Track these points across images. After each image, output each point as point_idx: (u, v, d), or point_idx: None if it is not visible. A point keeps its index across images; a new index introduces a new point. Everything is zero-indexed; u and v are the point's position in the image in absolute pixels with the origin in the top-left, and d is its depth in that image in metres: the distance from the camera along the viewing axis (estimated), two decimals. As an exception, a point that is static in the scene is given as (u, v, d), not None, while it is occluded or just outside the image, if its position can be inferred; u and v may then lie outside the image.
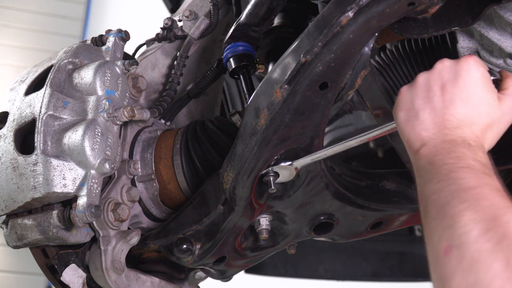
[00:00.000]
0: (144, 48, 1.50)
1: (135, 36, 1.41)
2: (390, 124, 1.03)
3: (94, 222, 1.15)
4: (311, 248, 2.61)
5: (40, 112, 1.11)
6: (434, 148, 0.84)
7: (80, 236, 1.14)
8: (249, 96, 1.22)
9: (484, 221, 0.68)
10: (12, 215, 1.15)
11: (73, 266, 1.17)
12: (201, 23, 1.41)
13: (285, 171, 1.11)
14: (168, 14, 2.35)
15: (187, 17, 1.42)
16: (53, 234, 1.10)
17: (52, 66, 1.18)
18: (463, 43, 1.15)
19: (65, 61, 1.18)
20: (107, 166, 1.10)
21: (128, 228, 1.24)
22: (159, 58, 1.45)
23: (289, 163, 1.10)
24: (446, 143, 0.84)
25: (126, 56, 1.31)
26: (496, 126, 0.90)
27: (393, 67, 1.43)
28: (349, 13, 0.94)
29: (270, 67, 1.45)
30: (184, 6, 1.47)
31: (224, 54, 1.29)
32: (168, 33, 1.43)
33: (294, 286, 3.14)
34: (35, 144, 1.09)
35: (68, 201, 1.11)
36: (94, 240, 1.19)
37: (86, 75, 1.16)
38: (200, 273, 1.39)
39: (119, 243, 1.18)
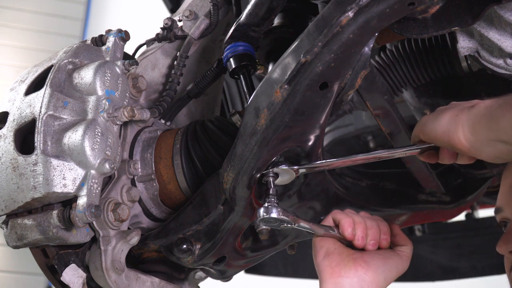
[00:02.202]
0: (144, 48, 1.50)
1: (135, 36, 1.41)
2: (405, 149, 1.06)
3: (94, 222, 1.15)
4: (311, 248, 2.61)
5: (40, 112, 1.11)
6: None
7: (80, 236, 1.14)
8: (249, 96, 1.22)
9: None
10: (12, 215, 1.15)
11: (73, 266, 1.17)
12: (201, 23, 1.41)
13: (285, 174, 1.11)
14: (168, 14, 2.35)
15: (187, 17, 1.42)
16: (53, 234, 1.10)
17: (52, 66, 1.18)
18: (463, 43, 1.15)
19: (65, 61, 1.18)
20: (107, 166, 1.10)
21: (128, 228, 1.24)
22: (159, 58, 1.44)
23: (294, 167, 1.10)
24: None
25: (126, 56, 1.31)
26: None
27: (393, 67, 1.43)
28: (349, 13, 0.94)
29: (270, 67, 1.45)
30: (184, 6, 1.47)
31: (224, 54, 1.29)
32: (168, 33, 1.43)
33: (294, 286, 3.14)
34: (35, 144, 1.09)
35: (68, 201, 1.11)
36: (94, 240, 1.19)
37: (86, 75, 1.16)
38: (200, 273, 1.39)
39: (119, 243, 1.18)
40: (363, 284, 1.08)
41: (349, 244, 1.14)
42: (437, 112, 0.99)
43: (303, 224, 1.10)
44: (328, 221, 1.16)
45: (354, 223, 1.12)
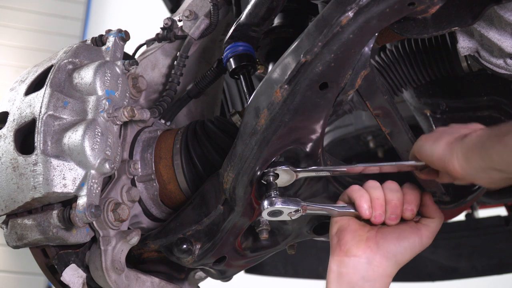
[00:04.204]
0: (144, 48, 1.50)
1: (135, 36, 1.41)
2: (409, 163, 1.07)
3: (94, 222, 1.15)
4: (311, 248, 2.61)
5: (40, 112, 1.11)
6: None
7: (80, 236, 1.14)
8: (249, 96, 1.22)
9: None
10: (12, 215, 1.15)
11: (73, 266, 1.17)
12: (201, 23, 1.42)
13: (286, 175, 1.11)
14: (168, 14, 2.35)
15: (187, 17, 1.42)
16: (53, 234, 1.10)
17: (52, 66, 1.18)
18: (463, 43, 1.15)
19: (65, 61, 1.18)
20: (107, 166, 1.10)
21: (128, 228, 1.24)
22: (159, 58, 1.45)
23: (297, 169, 1.10)
24: None
25: (126, 56, 1.31)
26: None
27: (393, 67, 1.43)
28: (349, 13, 0.94)
29: (270, 67, 1.45)
30: (184, 6, 1.48)
31: (224, 54, 1.29)
32: (168, 33, 1.43)
33: (294, 286, 3.14)
34: (35, 144, 1.09)
35: (68, 201, 1.11)
36: (94, 240, 1.19)
37: (86, 75, 1.16)
38: (200, 273, 1.39)
39: (119, 243, 1.18)
40: (368, 266, 1.05)
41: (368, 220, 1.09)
42: (434, 137, 1.00)
43: (313, 208, 1.08)
44: (344, 197, 1.11)
45: (371, 199, 1.06)
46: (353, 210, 1.08)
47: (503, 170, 0.86)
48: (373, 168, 1.10)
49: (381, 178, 1.42)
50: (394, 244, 1.07)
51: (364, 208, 1.06)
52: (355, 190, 1.09)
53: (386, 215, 1.07)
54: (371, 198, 1.07)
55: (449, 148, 0.95)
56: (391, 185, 1.09)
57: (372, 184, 1.09)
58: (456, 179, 0.98)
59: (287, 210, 1.05)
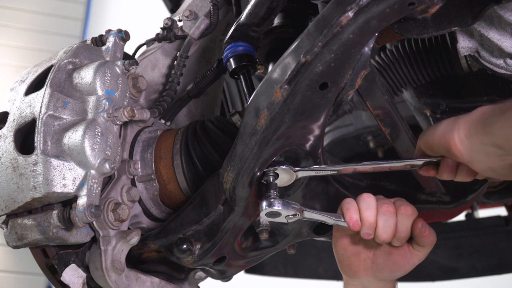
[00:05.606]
0: (144, 48, 1.50)
1: (135, 36, 1.41)
2: (408, 161, 1.08)
3: (94, 222, 1.15)
4: (311, 248, 2.61)
5: (40, 112, 1.11)
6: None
7: (80, 236, 1.14)
8: (249, 96, 1.22)
9: None
10: (12, 215, 1.16)
11: (73, 266, 1.17)
12: (201, 23, 1.42)
13: (285, 174, 1.10)
14: (168, 14, 2.35)
15: (187, 17, 1.42)
16: (53, 234, 1.10)
17: (52, 66, 1.18)
18: (463, 43, 1.15)
19: (65, 61, 1.18)
20: (107, 166, 1.10)
21: (128, 228, 1.24)
22: (159, 58, 1.45)
23: (296, 168, 1.10)
24: None
25: (126, 56, 1.31)
26: None
27: (393, 67, 1.43)
28: (349, 13, 0.94)
29: (270, 67, 1.45)
30: (184, 6, 1.48)
31: (224, 54, 1.29)
32: (168, 33, 1.43)
33: (294, 286, 3.14)
34: (35, 144, 1.09)
35: (68, 201, 1.11)
36: (94, 240, 1.19)
37: (86, 75, 1.16)
38: (200, 273, 1.39)
39: (119, 243, 1.18)
40: (369, 285, 1.17)
41: None
42: (437, 123, 1.02)
43: (310, 214, 1.09)
44: (339, 209, 1.13)
45: (362, 219, 1.09)
46: (346, 224, 1.09)
47: (502, 146, 0.87)
48: (374, 167, 1.10)
49: (381, 177, 1.42)
50: (388, 275, 1.16)
51: (353, 221, 1.09)
52: (345, 203, 1.11)
53: (374, 235, 1.10)
54: (361, 217, 1.09)
55: (452, 123, 0.96)
56: (386, 206, 1.10)
57: (366, 204, 1.10)
58: (455, 160, 0.99)
59: (285, 213, 1.05)
